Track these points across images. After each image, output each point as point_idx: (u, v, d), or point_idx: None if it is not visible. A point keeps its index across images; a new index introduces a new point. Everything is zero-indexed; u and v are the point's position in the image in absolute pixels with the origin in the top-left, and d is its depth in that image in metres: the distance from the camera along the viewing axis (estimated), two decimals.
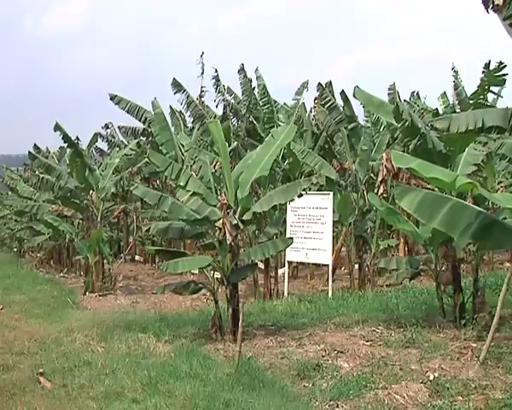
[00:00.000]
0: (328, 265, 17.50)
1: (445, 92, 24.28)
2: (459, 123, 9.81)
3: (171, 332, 12.27)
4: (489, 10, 6.94)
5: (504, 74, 12.30)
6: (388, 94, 20.96)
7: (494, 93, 12.83)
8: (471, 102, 12.61)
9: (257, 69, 21.28)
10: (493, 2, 6.79)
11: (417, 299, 14.73)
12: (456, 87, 21.79)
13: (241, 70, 21.77)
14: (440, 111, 17.76)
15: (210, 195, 12.16)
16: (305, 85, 22.65)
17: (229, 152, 15.43)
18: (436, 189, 10.04)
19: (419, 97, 26.17)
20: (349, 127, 19.00)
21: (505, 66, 12.52)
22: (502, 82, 12.91)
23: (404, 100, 21.79)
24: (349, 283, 18.76)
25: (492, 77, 12.60)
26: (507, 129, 10.11)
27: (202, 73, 26.50)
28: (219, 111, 22.60)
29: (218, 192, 12.34)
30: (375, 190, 12.51)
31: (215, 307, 12.09)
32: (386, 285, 15.25)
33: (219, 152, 12.23)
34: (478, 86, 12.64)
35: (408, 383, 8.53)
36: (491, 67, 12.35)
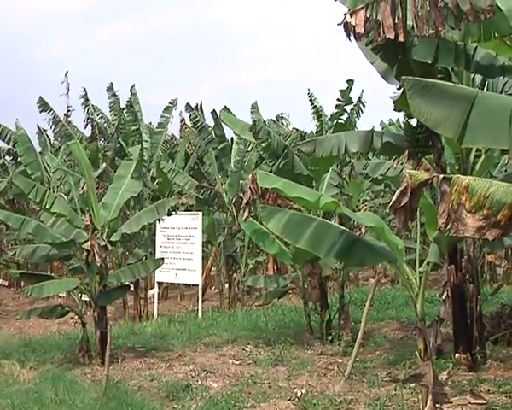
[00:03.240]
0: (198, 285, 17.50)
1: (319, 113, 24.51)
2: (323, 147, 10.07)
3: (36, 358, 11.88)
4: (351, 38, 7.30)
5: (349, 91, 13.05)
6: (251, 112, 21.10)
7: (347, 112, 13.53)
8: (332, 122, 13.16)
9: (133, 87, 20.57)
10: (355, 31, 7.14)
11: (286, 317, 15.00)
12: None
13: (110, 89, 21.31)
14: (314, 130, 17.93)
15: (76, 217, 11.95)
16: (174, 103, 22.40)
17: (98, 173, 15.17)
18: (302, 209, 10.28)
19: (282, 118, 26.49)
20: (219, 147, 19.13)
21: (353, 81, 13.29)
22: (350, 100, 13.67)
23: (271, 119, 21.94)
24: (219, 302, 18.85)
25: (346, 97, 13.27)
26: (368, 151, 10.54)
27: (67, 92, 25.95)
28: (88, 131, 22.13)
29: (86, 214, 12.13)
30: (241, 213, 12.69)
31: (82, 330, 11.82)
32: (256, 305, 15.44)
33: (83, 173, 12.04)
34: (335, 107, 13.25)
35: (276, 401, 8.64)
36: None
